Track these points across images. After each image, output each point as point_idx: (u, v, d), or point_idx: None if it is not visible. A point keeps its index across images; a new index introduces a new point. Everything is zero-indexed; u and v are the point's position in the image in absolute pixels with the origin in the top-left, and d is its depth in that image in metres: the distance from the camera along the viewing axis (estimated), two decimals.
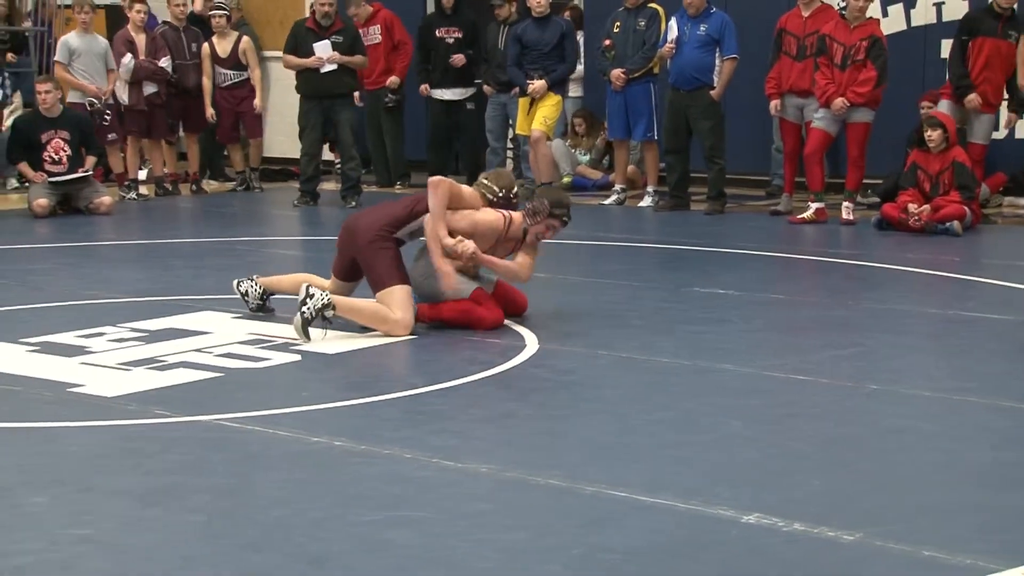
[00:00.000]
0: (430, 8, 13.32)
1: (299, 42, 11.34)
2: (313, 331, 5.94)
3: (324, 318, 5.95)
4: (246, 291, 6.53)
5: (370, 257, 6.14)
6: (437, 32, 12.30)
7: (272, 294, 6.54)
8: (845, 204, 9.98)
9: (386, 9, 12.39)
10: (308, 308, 5.91)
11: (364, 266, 6.20)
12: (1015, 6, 9.98)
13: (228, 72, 12.21)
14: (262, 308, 6.53)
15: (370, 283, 6.19)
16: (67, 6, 14.08)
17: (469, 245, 6.10)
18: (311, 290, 5.96)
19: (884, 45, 9.83)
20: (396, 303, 6.03)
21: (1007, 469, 4.19)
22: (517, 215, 6.28)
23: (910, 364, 5.62)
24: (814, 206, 10.01)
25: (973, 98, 9.89)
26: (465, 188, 6.39)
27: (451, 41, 12.24)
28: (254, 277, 6.59)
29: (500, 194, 6.33)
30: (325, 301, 5.93)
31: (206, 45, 12.16)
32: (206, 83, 12.13)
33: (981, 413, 4.82)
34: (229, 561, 3.42)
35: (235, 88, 12.22)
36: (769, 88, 10.40)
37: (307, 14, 12.00)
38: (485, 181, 6.44)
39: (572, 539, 3.55)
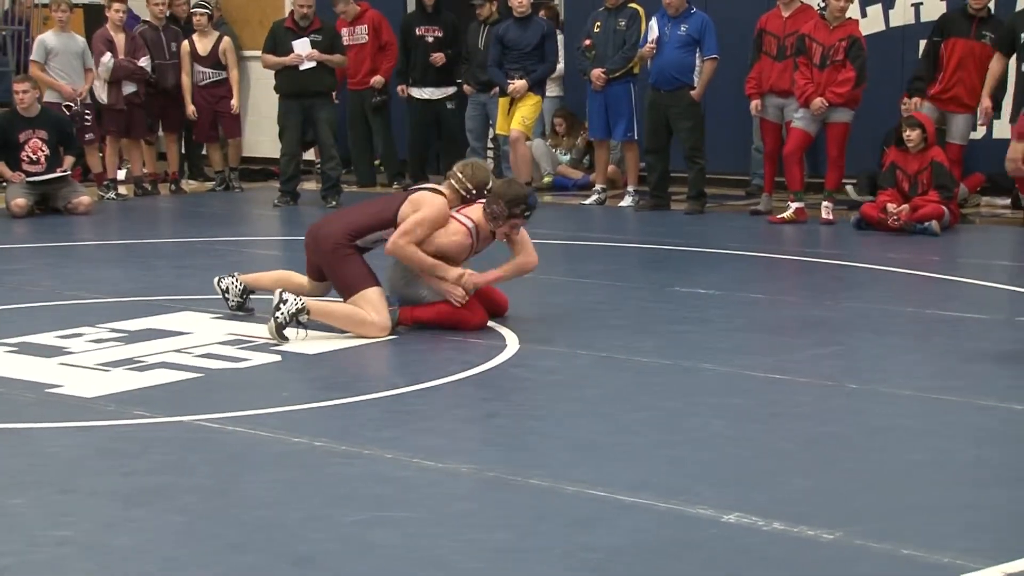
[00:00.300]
0: (411, 7, 13.30)
1: (278, 42, 11.32)
2: (290, 331, 5.92)
3: (299, 322, 5.93)
4: (227, 287, 6.51)
5: (334, 264, 6.11)
6: (417, 31, 12.27)
7: (252, 292, 6.52)
8: (825, 204, 10.00)
9: (374, 9, 12.36)
10: (282, 313, 5.88)
11: (329, 273, 6.18)
12: (990, 7, 10.02)
13: (207, 71, 12.17)
14: (242, 307, 6.50)
15: (338, 290, 6.18)
16: (44, 5, 14.01)
17: (468, 279, 6.09)
18: (284, 295, 5.93)
19: (863, 45, 9.86)
20: (370, 305, 6.00)
21: (989, 468, 4.21)
22: (477, 215, 6.18)
23: (892, 363, 5.64)
24: (794, 206, 10.03)
25: (916, 102, 9.94)
26: (427, 204, 6.11)
27: (431, 40, 12.21)
28: (235, 274, 6.57)
29: (473, 192, 6.26)
30: (299, 306, 5.90)
31: (186, 43, 12.12)
32: (185, 81, 12.09)
33: (963, 412, 4.84)
34: (213, 562, 3.40)
35: (214, 87, 12.19)
36: (749, 88, 10.43)
37: (287, 15, 11.97)
38: (459, 175, 6.27)
39: (556, 539, 3.55)
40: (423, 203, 6.14)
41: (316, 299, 6.14)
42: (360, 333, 5.99)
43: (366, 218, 6.19)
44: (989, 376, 5.39)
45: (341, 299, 6.16)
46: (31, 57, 11.63)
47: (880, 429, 4.63)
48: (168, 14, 12.27)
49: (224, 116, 12.24)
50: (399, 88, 12.39)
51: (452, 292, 6.09)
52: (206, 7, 12.31)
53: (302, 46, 11.16)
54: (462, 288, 6.09)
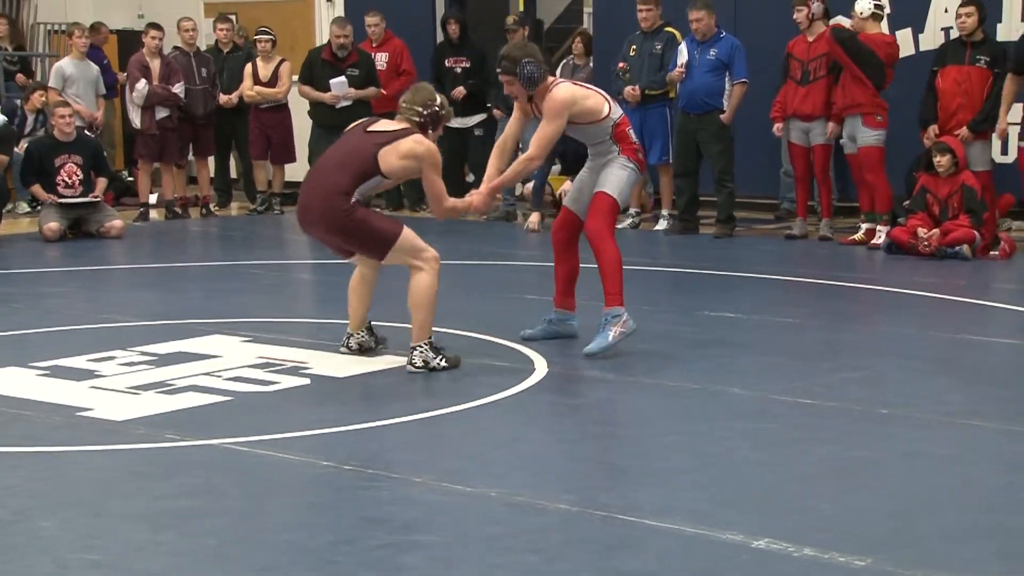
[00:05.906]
0: (440, 38, 13.38)
1: (315, 74, 11.42)
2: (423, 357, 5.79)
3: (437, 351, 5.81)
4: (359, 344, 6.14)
5: (354, 230, 5.78)
6: (447, 62, 12.37)
7: (369, 327, 6.17)
8: (880, 228, 9.96)
9: (398, 38, 12.46)
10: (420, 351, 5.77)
11: (353, 242, 5.86)
12: (984, 30, 9.92)
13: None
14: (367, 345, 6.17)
15: (368, 252, 5.89)
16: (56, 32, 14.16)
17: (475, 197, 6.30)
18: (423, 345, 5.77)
19: (842, 53, 9.83)
20: (412, 247, 5.80)
21: (1020, 493, 4.18)
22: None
23: (921, 388, 5.61)
24: (864, 227, 10.04)
25: (931, 130, 9.87)
26: (422, 155, 5.82)
27: (459, 71, 12.30)
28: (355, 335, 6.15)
29: (424, 111, 5.90)
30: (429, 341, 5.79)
31: (248, 66, 12.36)
32: (251, 92, 12.26)
33: (993, 438, 4.81)
34: None
35: (272, 111, 12.39)
36: (774, 112, 10.43)
37: (317, 40, 12.08)
38: (404, 104, 5.93)
39: (584, 563, 3.54)
40: (415, 154, 5.82)
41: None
42: (432, 284, 5.78)
43: (348, 177, 5.77)
44: (1020, 402, 5.35)
45: (375, 260, 5.94)
46: (49, 84, 11.74)
47: (909, 454, 4.61)
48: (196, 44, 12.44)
49: (276, 143, 12.43)
50: None
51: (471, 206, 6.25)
52: (270, 33, 12.49)
53: (339, 86, 11.25)
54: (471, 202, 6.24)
